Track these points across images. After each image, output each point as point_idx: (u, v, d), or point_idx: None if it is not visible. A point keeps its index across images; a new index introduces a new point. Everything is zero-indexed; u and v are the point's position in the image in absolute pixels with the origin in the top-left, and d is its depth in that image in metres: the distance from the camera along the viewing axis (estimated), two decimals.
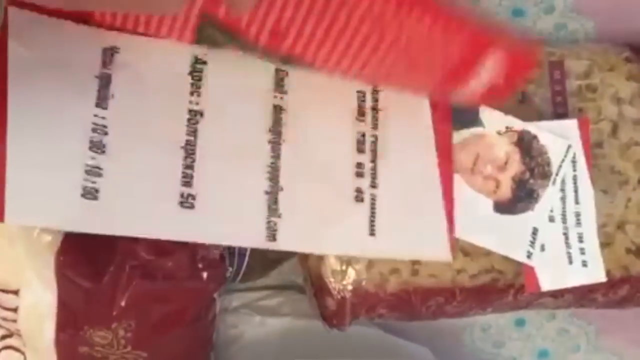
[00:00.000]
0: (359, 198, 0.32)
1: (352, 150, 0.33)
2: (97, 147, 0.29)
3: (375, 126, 0.33)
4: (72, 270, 0.29)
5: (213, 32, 0.30)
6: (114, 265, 0.29)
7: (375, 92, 0.33)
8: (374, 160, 0.33)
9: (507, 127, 0.35)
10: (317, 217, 0.32)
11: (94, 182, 0.28)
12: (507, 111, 0.36)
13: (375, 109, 0.33)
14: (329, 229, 0.32)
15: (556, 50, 0.39)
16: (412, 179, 0.33)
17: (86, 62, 0.29)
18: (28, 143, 0.28)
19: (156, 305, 0.30)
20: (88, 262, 0.29)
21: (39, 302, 0.30)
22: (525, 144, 0.35)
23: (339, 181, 0.32)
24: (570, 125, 0.36)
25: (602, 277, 0.36)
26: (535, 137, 0.35)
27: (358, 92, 0.33)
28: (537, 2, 0.43)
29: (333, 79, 0.32)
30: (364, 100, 0.33)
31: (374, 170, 0.33)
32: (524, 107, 0.38)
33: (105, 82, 0.29)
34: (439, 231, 0.33)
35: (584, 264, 0.36)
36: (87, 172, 0.28)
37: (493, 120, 0.34)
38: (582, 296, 0.38)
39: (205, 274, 0.30)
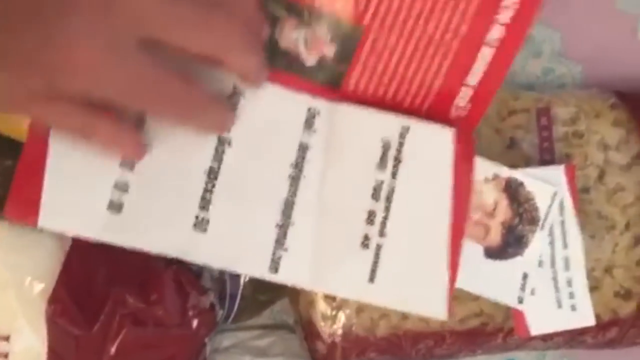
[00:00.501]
0: (365, 244, 0.33)
1: (368, 197, 0.33)
2: (127, 163, 0.30)
3: (394, 176, 0.34)
4: (63, 318, 0.29)
5: (272, 3, 0.32)
6: (105, 313, 0.29)
7: (400, 143, 0.34)
8: (386, 210, 0.33)
9: (494, 174, 0.36)
10: (321, 256, 0.32)
11: (120, 197, 0.30)
12: (496, 156, 0.37)
13: (397, 159, 0.34)
14: (330, 269, 0.33)
15: (543, 97, 0.40)
16: (421, 234, 0.34)
17: None
18: (66, 155, 0.29)
19: (146, 352, 0.30)
20: (79, 310, 0.29)
21: (30, 349, 0.30)
22: (513, 191, 0.36)
23: (349, 225, 0.33)
24: (557, 172, 0.36)
25: (591, 321, 0.37)
26: (522, 183, 0.36)
27: (383, 140, 0.34)
28: (525, 47, 0.43)
29: (362, 124, 0.33)
30: (388, 150, 0.34)
31: (384, 220, 0.33)
32: (512, 153, 0.38)
33: None
34: (439, 289, 0.33)
35: (573, 308, 0.37)
36: (115, 186, 0.30)
37: (480, 167, 0.35)
38: (571, 338, 0.39)
39: (195, 321, 0.31)
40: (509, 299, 0.35)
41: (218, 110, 0.30)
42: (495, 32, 0.34)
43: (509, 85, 0.43)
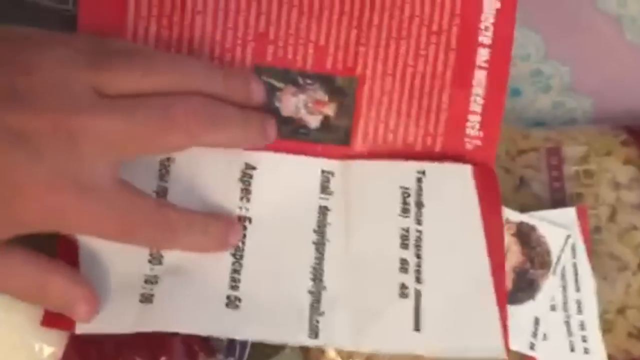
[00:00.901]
0: (403, 294, 0.32)
1: (396, 246, 0.33)
2: (156, 259, 0.30)
3: (419, 222, 0.33)
4: None
5: (268, 77, 0.33)
6: None
7: (419, 187, 0.33)
8: (418, 256, 0.33)
9: (505, 219, 0.35)
10: (359, 314, 0.32)
11: (150, 289, 0.30)
12: (506, 196, 0.37)
13: (419, 204, 0.33)
14: (372, 325, 0.32)
15: (553, 136, 0.39)
16: (460, 274, 0.33)
17: (144, 177, 0.30)
18: (96, 261, 0.30)
19: None
20: None
21: None
22: (524, 235, 0.35)
23: (383, 277, 0.32)
24: (569, 214, 0.36)
25: None
26: (533, 227, 0.35)
27: (402, 187, 0.33)
28: (534, 82, 0.43)
29: (377, 176, 0.33)
30: (408, 196, 0.33)
31: (418, 266, 0.33)
32: (522, 192, 0.38)
33: (162, 194, 0.31)
34: (491, 327, 0.32)
35: (586, 351, 0.36)
36: (145, 281, 0.30)
37: None
38: None
39: None
40: (520, 346, 0.35)
41: (211, 230, 0.30)
42: (483, 54, 0.34)
43: (519, 120, 0.43)
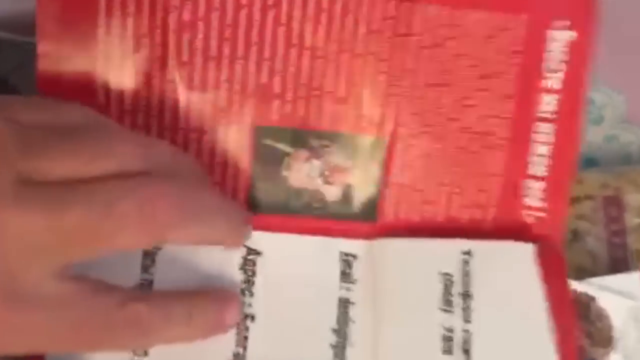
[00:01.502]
0: None
1: (438, 351, 0.27)
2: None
3: (467, 319, 0.27)
4: None
5: (274, 140, 0.27)
6: None
7: (465, 273, 0.28)
8: None
9: None
10: None
11: None
12: None
13: (466, 295, 0.27)
14: None
15: (610, 181, 0.34)
16: None
17: (123, 269, 0.26)
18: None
19: None
20: None
21: None
22: (582, 308, 0.30)
23: None
24: (632, 279, 0.31)
25: None
26: (592, 298, 0.30)
27: (443, 274, 0.27)
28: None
29: (411, 259, 0.28)
30: (451, 284, 0.27)
31: None
32: (575, 248, 0.33)
33: (146, 289, 0.27)
34: None
35: None
36: None
37: None
38: None
39: None
40: None
41: (197, 316, 0.25)
42: (548, 103, 0.28)
43: None
